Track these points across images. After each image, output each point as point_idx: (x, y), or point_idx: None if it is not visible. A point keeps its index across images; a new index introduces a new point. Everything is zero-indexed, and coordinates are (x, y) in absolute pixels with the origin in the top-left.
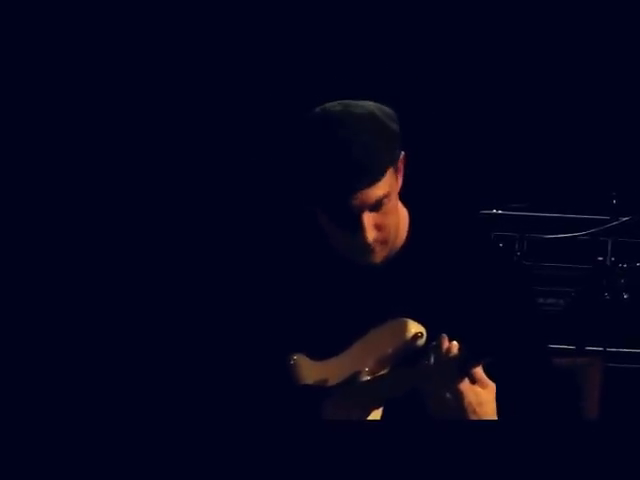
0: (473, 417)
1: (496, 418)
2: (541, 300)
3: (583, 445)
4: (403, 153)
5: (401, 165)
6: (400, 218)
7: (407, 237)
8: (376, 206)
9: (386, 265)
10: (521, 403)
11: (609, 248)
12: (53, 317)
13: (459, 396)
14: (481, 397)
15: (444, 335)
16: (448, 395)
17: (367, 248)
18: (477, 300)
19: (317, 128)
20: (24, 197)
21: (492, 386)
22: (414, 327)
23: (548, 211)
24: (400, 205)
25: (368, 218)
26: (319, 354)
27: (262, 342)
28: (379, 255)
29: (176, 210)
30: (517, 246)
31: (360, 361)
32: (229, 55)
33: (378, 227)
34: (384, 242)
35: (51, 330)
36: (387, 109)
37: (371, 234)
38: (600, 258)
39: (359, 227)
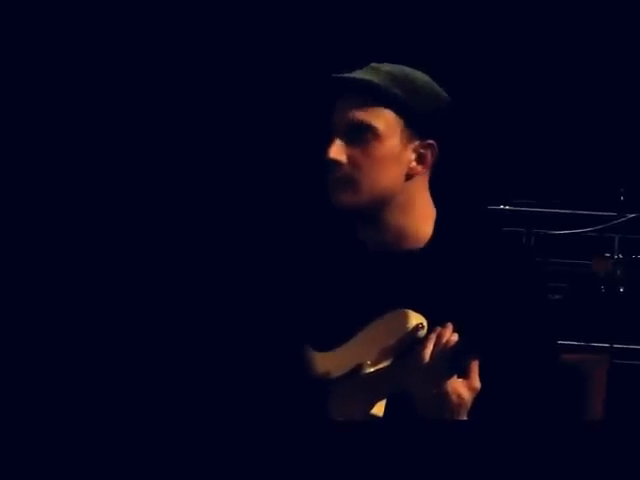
0: (447, 413)
1: (466, 418)
2: (549, 296)
3: (587, 444)
4: (432, 142)
5: (427, 153)
6: (427, 212)
7: (432, 234)
8: (355, 134)
9: (400, 256)
10: (526, 399)
11: (616, 244)
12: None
13: (443, 391)
14: (462, 398)
15: (447, 325)
16: (433, 389)
17: (331, 174)
18: (490, 296)
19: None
20: (24, 197)
21: (477, 388)
22: (415, 318)
23: (556, 207)
24: (429, 202)
25: (342, 140)
26: (323, 344)
27: (267, 332)
28: (340, 195)
29: (184, 197)
30: (525, 242)
31: (362, 353)
32: (232, 52)
33: (350, 159)
34: (350, 182)
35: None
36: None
37: (336, 153)
38: (607, 254)
39: (330, 142)
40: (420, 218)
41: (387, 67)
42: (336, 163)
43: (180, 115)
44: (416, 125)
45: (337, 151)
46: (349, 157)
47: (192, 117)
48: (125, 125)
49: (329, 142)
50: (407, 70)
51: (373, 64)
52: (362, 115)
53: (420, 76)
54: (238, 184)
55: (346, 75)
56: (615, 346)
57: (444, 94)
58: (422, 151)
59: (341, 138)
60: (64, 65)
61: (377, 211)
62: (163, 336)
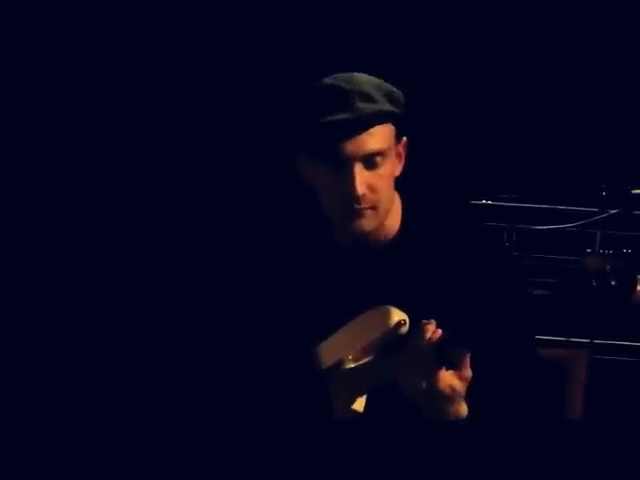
0: (443, 404)
1: (464, 406)
2: (529, 291)
3: (567, 440)
4: (405, 138)
5: (402, 150)
6: (395, 204)
7: (400, 226)
8: (369, 161)
9: (377, 252)
10: (505, 394)
11: (597, 240)
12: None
13: (433, 383)
14: (454, 389)
15: (431, 321)
16: (423, 383)
17: (357, 206)
18: (468, 290)
19: (322, 81)
20: (24, 197)
21: (468, 377)
22: (397, 315)
23: (538, 202)
24: (396, 193)
25: (360, 171)
26: (305, 340)
27: (250, 328)
28: (369, 222)
29: (174, 201)
30: (506, 237)
31: (344, 348)
32: (231, 51)
33: (370, 187)
34: (374, 208)
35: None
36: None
37: (361, 187)
38: (588, 250)
39: (350, 177)
40: (391, 211)
41: (365, 85)
42: (361, 196)
43: (163, 120)
44: (398, 128)
45: (362, 186)
46: (368, 185)
47: (173, 122)
48: (110, 126)
49: (345, 173)
50: (373, 78)
51: (340, 78)
52: (375, 142)
53: (377, 79)
54: (214, 188)
55: (349, 116)
56: (595, 341)
57: (397, 89)
58: (400, 150)
59: (358, 169)
60: (63, 65)
61: None
62: (149, 335)
